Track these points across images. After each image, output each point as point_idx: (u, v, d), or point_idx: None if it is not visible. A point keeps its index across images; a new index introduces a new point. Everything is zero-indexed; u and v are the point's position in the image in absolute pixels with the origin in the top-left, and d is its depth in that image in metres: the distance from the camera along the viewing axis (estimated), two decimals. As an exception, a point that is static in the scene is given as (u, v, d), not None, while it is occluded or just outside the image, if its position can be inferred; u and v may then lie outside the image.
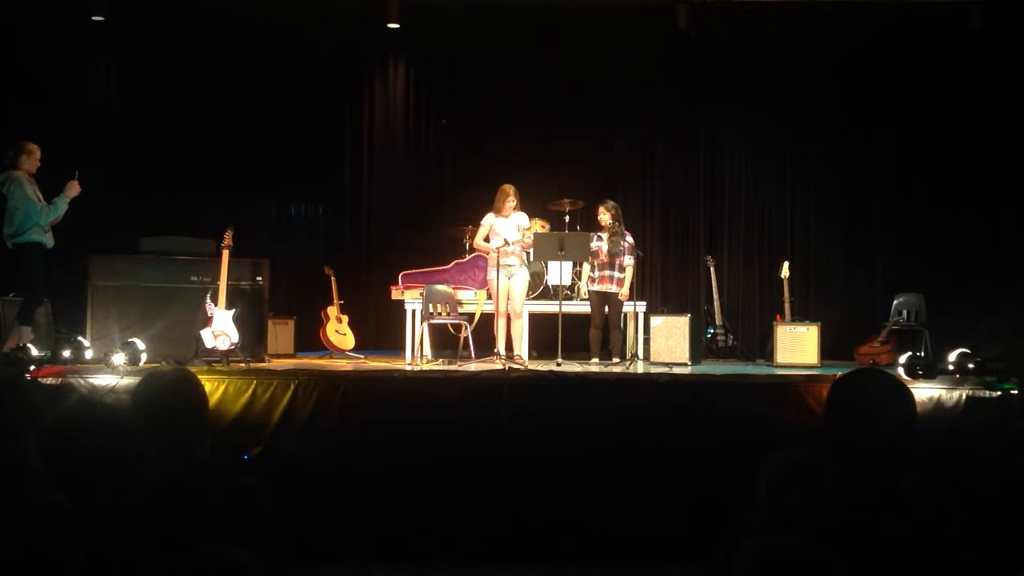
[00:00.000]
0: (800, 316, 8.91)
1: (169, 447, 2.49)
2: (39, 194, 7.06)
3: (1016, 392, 5.85)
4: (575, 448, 5.84)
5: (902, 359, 6.54)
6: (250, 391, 6.08)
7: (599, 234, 8.13)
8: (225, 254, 7.50)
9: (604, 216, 8.14)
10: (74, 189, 7.13)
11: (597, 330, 8.17)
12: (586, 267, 8.51)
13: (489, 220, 8.08)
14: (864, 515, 2.13)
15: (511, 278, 7.96)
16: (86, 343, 6.99)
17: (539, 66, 10.27)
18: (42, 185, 7.14)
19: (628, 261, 8.07)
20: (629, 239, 8.17)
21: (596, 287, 8.13)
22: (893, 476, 2.20)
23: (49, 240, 7.11)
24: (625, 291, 8.08)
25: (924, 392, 6.02)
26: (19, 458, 2.39)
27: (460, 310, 8.38)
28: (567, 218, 9.16)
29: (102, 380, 6.08)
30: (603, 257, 8.06)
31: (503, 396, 5.95)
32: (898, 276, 9.72)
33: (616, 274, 8.08)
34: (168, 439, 2.49)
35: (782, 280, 8.89)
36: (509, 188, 8.04)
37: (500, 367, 6.98)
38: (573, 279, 9.06)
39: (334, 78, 10.42)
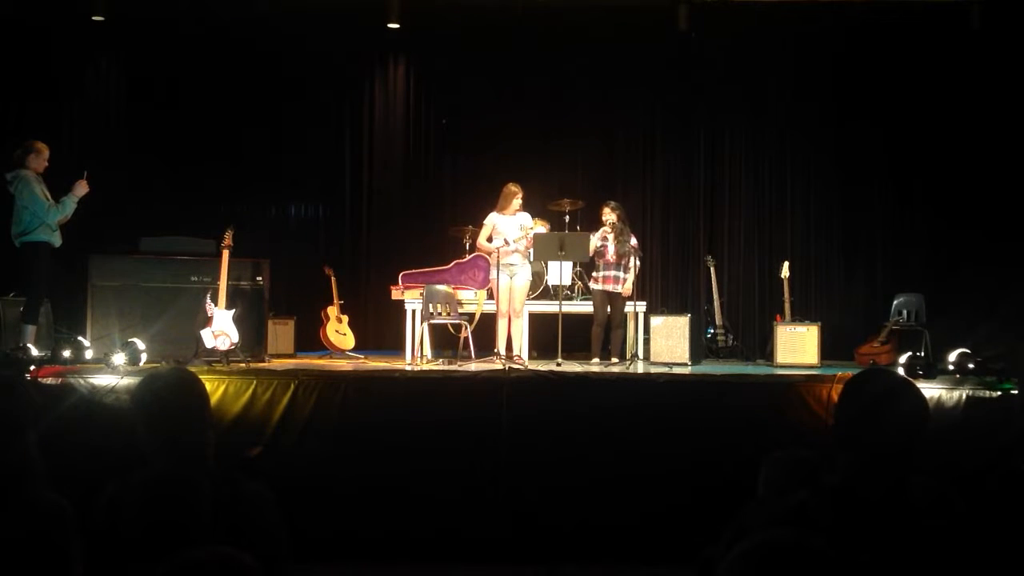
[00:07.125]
0: (800, 316, 8.91)
1: (169, 447, 2.48)
2: (47, 193, 7.06)
3: (1016, 392, 5.86)
4: (575, 448, 5.85)
5: (902, 359, 6.55)
6: (250, 391, 6.09)
7: (604, 234, 8.12)
8: (225, 254, 7.50)
9: (610, 216, 8.13)
10: (83, 189, 7.14)
11: (600, 328, 8.19)
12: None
13: (492, 219, 8.07)
14: (868, 514, 2.13)
15: (513, 277, 7.95)
16: (86, 343, 6.98)
17: (539, 66, 10.27)
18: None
19: (634, 262, 8.10)
20: (633, 240, 8.18)
21: (601, 286, 8.14)
22: (901, 475, 2.21)
23: (57, 239, 7.12)
24: (629, 287, 8.09)
25: (924, 392, 6.01)
26: (19, 459, 2.39)
27: (460, 310, 8.37)
28: (567, 218, 9.15)
29: (102, 380, 6.08)
30: (609, 257, 8.07)
31: (503, 396, 5.96)
32: (898, 276, 9.71)
33: (621, 274, 8.10)
34: (168, 439, 2.49)
35: (782, 280, 8.88)
36: (515, 186, 8.03)
37: (500, 367, 6.98)
38: (573, 279, 9.06)
39: (334, 78, 10.42)
